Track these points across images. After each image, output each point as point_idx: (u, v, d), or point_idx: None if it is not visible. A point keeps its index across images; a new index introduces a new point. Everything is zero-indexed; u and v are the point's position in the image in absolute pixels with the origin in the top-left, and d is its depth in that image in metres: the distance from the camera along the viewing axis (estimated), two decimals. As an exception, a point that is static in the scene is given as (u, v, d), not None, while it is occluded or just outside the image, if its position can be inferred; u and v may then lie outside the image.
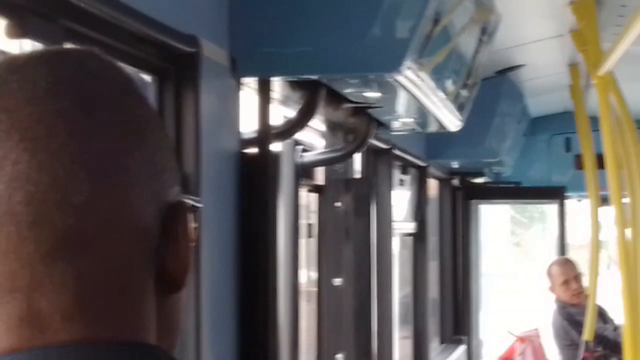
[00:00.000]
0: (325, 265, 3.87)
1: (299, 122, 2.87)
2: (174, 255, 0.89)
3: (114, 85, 0.89)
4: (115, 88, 0.89)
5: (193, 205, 0.93)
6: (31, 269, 0.82)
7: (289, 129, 2.84)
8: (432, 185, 6.51)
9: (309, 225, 3.87)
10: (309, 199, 3.85)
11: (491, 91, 5.53)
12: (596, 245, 5.85)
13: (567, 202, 7.59)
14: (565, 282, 6.36)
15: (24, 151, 0.82)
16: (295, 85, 2.85)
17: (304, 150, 3.57)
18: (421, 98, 3.02)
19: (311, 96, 2.84)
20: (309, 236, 3.86)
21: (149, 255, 0.87)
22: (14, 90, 0.84)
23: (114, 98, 0.88)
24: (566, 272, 6.38)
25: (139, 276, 0.87)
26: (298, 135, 3.06)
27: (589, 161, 5.91)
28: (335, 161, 3.84)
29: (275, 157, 2.65)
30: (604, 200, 6.28)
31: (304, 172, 3.51)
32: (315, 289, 3.85)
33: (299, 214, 3.12)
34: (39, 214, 0.81)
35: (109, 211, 0.84)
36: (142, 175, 0.87)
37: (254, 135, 2.64)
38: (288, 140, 2.76)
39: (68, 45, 1.63)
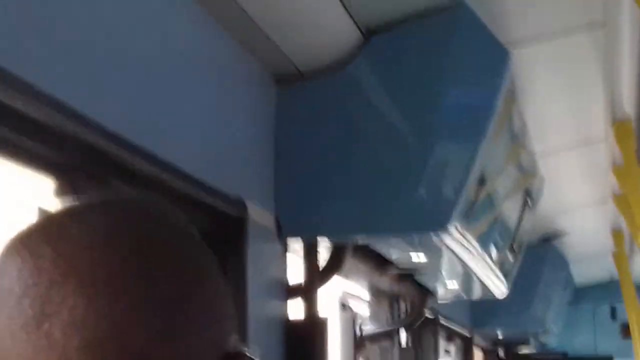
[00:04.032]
0: None
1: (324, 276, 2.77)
2: None
3: (173, 231, 0.87)
4: (174, 234, 0.87)
5: (250, 357, 0.89)
6: None
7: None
8: (477, 357, 6.39)
9: None
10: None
11: (535, 259, 5.49)
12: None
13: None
14: None
15: (81, 296, 0.80)
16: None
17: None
18: (468, 260, 2.99)
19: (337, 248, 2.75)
20: None
21: None
22: (72, 235, 0.83)
23: (172, 244, 0.86)
24: None
25: None
26: (357, 308, 2.98)
27: (636, 330, 5.81)
28: (393, 334, 3.80)
29: (322, 324, 2.60)
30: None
31: (362, 343, 3.46)
32: None
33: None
34: None
35: (167, 359, 0.80)
36: (201, 322, 0.84)
37: (300, 300, 2.60)
38: (348, 312, 2.71)
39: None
